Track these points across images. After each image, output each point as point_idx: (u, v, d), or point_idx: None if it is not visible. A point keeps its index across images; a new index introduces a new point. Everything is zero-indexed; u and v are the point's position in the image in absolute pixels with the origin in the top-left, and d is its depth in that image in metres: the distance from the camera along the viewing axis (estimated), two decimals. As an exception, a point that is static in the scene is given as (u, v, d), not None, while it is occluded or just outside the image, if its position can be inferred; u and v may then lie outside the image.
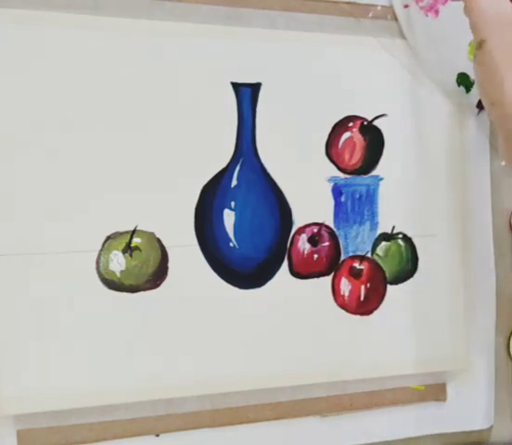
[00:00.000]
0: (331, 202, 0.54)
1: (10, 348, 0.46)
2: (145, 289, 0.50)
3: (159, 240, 0.50)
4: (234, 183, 0.52)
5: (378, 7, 0.55)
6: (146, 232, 0.50)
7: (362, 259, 0.55)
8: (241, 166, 0.52)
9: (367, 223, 0.55)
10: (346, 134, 0.55)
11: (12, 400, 0.46)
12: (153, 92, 0.49)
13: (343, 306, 0.55)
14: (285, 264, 0.53)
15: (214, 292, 0.51)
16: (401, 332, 0.56)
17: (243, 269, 0.52)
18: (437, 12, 0.54)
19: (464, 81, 0.56)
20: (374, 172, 0.55)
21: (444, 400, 0.58)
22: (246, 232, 0.52)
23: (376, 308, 0.56)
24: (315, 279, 0.54)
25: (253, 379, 0.52)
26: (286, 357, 0.53)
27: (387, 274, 0.56)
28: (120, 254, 0.49)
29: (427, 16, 0.54)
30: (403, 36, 0.55)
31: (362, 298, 0.55)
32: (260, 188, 0.52)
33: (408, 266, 0.57)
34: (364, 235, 0.55)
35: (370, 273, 0.56)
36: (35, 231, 0.47)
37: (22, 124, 0.47)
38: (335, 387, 0.55)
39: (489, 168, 0.59)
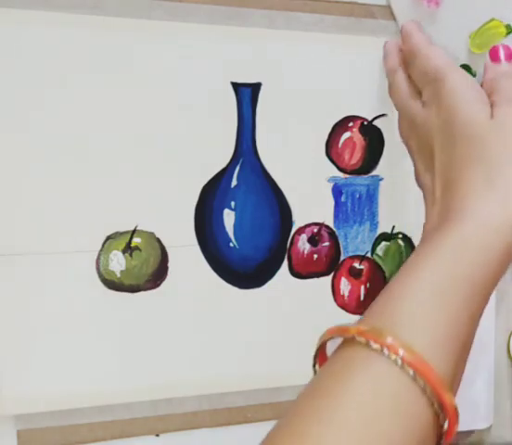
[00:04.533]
0: (331, 202, 0.54)
1: (10, 348, 0.46)
2: (145, 289, 0.50)
3: (159, 240, 0.50)
4: (234, 183, 0.52)
5: (379, 7, 0.55)
6: (146, 232, 0.50)
7: (362, 259, 0.55)
8: (241, 166, 0.52)
9: (367, 223, 0.55)
10: (346, 134, 0.55)
11: (12, 400, 0.46)
12: (153, 92, 0.49)
13: (343, 306, 0.55)
14: (285, 264, 0.53)
15: (214, 292, 0.51)
16: (400, 332, 0.56)
17: (243, 269, 0.52)
18: (438, 3, 0.54)
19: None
20: (374, 172, 0.55)
21: (444, 399, 0.58)
22: (246, 232, 0.52)
23: (375, 308, 0.56)
24: (315, 279, 0.54)
25: (253, 379, 0.52)
26: (285, 357, 0.53)
27: (387, 274, 0.56)
28: (120, 254, 0.49)
29: (428, 7, 0.54)
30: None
31: (362, 298, 0.55)
32: (260, 188, 0.52)
33: (408, 266, 0.57)
34: (365, 235, 0.56)
35: (370, 273, 0.56)
36: (35, 231, 0.47)
37: (22, 123, 0.47)
38: (335, 387, 0.55)
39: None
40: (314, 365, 0.42)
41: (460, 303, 0.39)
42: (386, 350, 0.36)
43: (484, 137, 0.44)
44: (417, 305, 0.39)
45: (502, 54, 0.49)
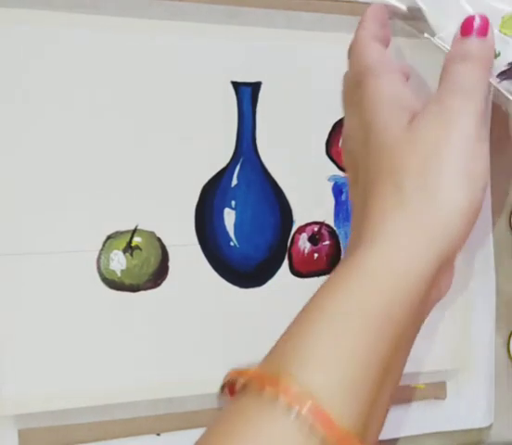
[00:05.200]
0: (331, 201, 0.54)
1: (10, 348, 0.46)
2: (145, 288, 0.50)
3: (159, 239, 0.50)
4: (234, 182, 0.52)
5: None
6: (146, 231, 0.50)
7: (362, 258, 0.55)
8: (241, 165, 0.52)
9: (368, 222, 0.55)
10: (346, 133, 0.54)
11: (12, 399, 0.46)
12: (153, 91, 0.49)
13: (343, 305, 0.55)
14: (285, 263, 0.53)
15: (215, 291, 0.51)
16: (401, 331, 0.56)
17: (244, 268, 0.52)
18: None
19: None
20: (374, 171, 0.55)
21: (444, 398, 0.58)
22: (246, 231, 0.52)
23: (376, 307, 0.56)
24: (316, 278, 0.54)
25: (253, 378, 0.52)
26: (286, 356, 0.53)
27: (387, 273, 0.56)
28: (120, 253, 0.49)
29: None
30: (405, 34, 0.55)
31: (362, 297, 0.55)
32: (260, 187, 0.52)
33: (408, 265, 0.57)
34: (365, 234, 0.55)
35: (370, 271, 0.56)
36: (35, 230, 0.47)
37: (21, 121, 0.47)
38: (335, 386, 0.55)
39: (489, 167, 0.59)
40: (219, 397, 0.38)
41: (370, 342, 0.34)
42: (282, 398, 0.32)
43: (395, 147, 0.38)
44: (319, 343, 0.34)
45: (475, 25, 0.42)
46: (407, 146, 0.38)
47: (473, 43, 0.41)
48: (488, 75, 0.42)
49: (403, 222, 0.36)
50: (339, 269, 0.38)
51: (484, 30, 0.42)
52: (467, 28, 0.42)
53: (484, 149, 0.39)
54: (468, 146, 0.38)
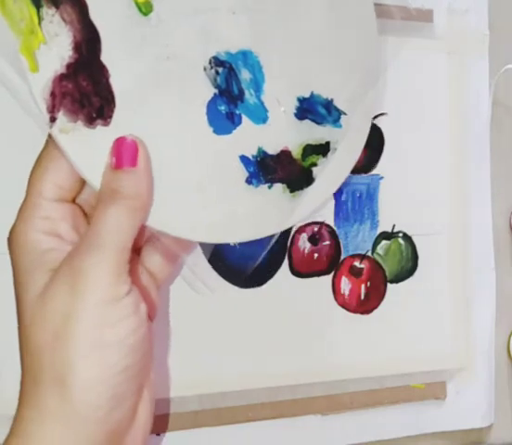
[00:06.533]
0: (331, 201, 0.54)
1: (11, 347, 0.46)
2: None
3: (159, 239, 0.50)
4: (234, 182, 0.52)
5: (377, 6, 0.54)
6: (146, 231, 0.50)
7: (362, 258, 0.55)
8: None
9: (368, 222, 0.55)
10: (346, 133, 0.54)
11: (13, 400, 0.46)
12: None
13: (343, 305, 0.55)
14: (285, 263, 0.53)
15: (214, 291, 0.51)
16: (401, 331, 0.56)
17: (243, 268, 0.52)
18: None
19: None
20: (374, 171, 0.55)
21: (444, 398, 0.58)
22: (246, 231, 0.52)
23: (376, 307, 0.56)
24: (316, 278, 0.54)
25: (253, 378, 0.52)
26: (285, 356, 0.53)
27: (387, 273, 0.56)
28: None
29: None
30: (404, 34, 0.55)
31: (362, 297, 0.55)
32: (260, 187, 0.52)
33: (408, 265, 0.57)
34: (365, 234, 0.55)
35: (370, 271, 0.56)
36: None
37: (22, 122, 0.46)
38: (335, 386, 0.55)
39: (489, 169, 0.59)
40: None
41: None
42: None
43: (30, 320, 0.35)
44: None
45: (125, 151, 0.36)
46: (39, 320, 0.34)
47: (123, 177, 0.35)
48: (138, 218, 0.36)
49: (43, 429, 0.35)
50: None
51: (133, 157, 0.36)
52: (118, 156, 0.36)
53: (125, 309, 0.35)
54: (99, 312, 0.33)
